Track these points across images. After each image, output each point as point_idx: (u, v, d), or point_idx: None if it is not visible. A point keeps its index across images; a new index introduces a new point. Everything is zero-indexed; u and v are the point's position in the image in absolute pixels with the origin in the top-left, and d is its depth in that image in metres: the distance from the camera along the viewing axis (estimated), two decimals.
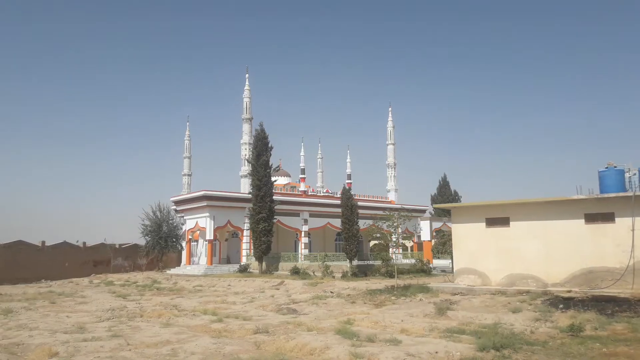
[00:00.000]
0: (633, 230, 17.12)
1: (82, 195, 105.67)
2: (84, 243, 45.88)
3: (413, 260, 37.20)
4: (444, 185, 59.33)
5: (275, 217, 39.58)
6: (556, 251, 18.84)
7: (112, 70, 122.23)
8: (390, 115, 57.32)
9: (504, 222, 20.16)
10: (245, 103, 47.00)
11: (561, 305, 15.02)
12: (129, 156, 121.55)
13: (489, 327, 12.41)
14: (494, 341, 9.79)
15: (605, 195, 18.05)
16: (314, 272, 33.35)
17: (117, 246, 47.86)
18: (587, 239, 18.28)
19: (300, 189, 49.84)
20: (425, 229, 39.99)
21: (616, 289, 16.93)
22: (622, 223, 17.54)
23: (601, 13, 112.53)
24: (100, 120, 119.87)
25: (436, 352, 9.50)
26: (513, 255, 19.71)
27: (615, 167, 18.68)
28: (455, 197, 56.87)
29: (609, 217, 17.98)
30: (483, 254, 20.50)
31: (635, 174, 18.26)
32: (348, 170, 58.89)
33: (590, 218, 18.36)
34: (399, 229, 27.11)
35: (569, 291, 17.16)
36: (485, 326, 12.57)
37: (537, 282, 18.85)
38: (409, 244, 53.72)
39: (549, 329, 12.16)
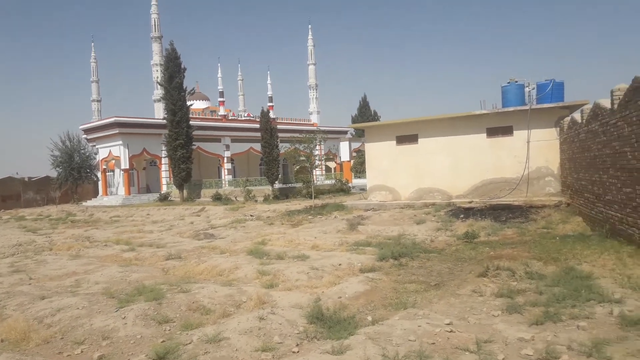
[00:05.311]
0: (528, 142, 18.32)
1: None
2: None
3: (334, 181, 38.12)
4: (364, 105, 59.90)
5: (194, 143, 38.57)
6: (461, 165, 19.89)
7: None
8: (310, 32, 55.88)
9: (413, 139, 20.86)
10: (153, 20, 43.64)
11: (462, 215, 16.08)
12: (32, 82, 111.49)
13: (394, 238, 13.13)
14: (393, 251, 10.40)
15: (505, 109, 18.92)
16: (236, 198, 33.37)
17: (26, 179, 45.06)
18: (488, 152, 19.39)
19: (220, 113, 48.47)
20: (344, 150, 40.75)
21: (512, 197, 18.29)
22: (519, 135, 18.67)
23: None
24: None
25: (339, 264, 9.95)
26: (421, 171, 20.64)
27: (516, 82, 19.49)
28: (374, 117, 57.81)
29: (507, 131, 19.07)
30: (394, 170, 21.29)
31: (534, 88, 19.03)
32: (269, 93, 57.72)
33: (492, 132, 19.39)
34: (318, 150, 27.47)
35: (471, 202, 18.32)
36: (390, 238, 13.30)
37: (443, 195, 19.99)
38: (332, 165, 54.74)
39: (448, 237, 13.05)
